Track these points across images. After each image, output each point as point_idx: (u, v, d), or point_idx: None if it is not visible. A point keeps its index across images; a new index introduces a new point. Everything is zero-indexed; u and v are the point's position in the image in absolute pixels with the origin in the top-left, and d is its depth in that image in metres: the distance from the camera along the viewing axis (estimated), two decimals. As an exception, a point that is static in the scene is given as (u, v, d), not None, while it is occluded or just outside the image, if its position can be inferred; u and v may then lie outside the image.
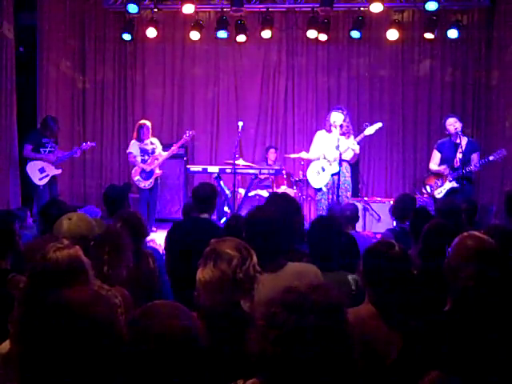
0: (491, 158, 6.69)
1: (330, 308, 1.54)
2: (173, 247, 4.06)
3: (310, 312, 1.51)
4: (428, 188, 7.01)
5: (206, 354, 1.50)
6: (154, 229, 8.06)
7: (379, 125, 7.14)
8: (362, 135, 7.09)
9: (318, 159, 7.25)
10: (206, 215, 4.30)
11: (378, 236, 6.23)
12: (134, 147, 8.18)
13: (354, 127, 7.55)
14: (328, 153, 7.12)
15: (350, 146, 7.01)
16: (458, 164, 6.75)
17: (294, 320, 1.50)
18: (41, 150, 7.68)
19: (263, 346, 1.52)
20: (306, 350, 1.48)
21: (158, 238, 6.61)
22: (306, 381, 1.47)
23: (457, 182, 6.76)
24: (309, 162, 7.58)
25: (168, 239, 4.18)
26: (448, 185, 6.84)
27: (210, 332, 2.11)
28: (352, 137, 7.18)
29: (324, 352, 1.49)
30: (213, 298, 2.23)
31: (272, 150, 9.24)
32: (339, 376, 1.51)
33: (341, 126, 7.06)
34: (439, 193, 6.88)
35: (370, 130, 7.07)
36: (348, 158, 7.15)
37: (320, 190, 7.27)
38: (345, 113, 7.18)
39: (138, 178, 8.13)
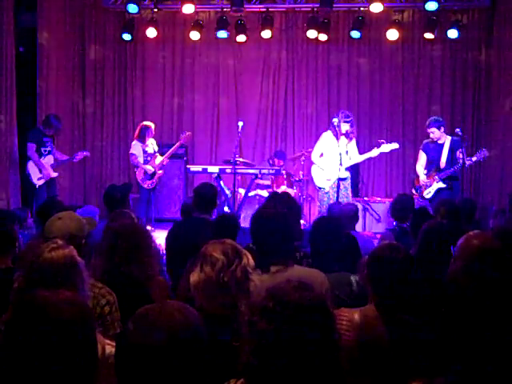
0: (474, 158, 6.86)
1: (310, 312, 1.54)
2: (173, 247, 4.07)
3: (290, 320, 1.51)
4: (417, 189, 7.12)
5: (208, 351, 1.50)
6: (151, 228, 8.06)
7: (396, 146, 7.31)
8: (377, 151, 7.21)
9: (321, 163, 7.30)
10: (206, 215, 4.31)
11: (378, 236, 6.24)
12: (136, 148, 8.14)
13: (354, 127, 7.58)
14: (335, 159, 7.14)
15: (363, 157, 7.34)
16: (444, 165, 6.92)
17: (272, 330, 1.51)
18: (41, 149, 7.68)
19: (245, 353, 1.54)
20: (285, 361, 1.49)
21: (157, 237, 6.59)
22: None
23: (444, 182, 6.91)
24: (310, 161, 7.64)
25: (169, 239, 4.18)
26: (435, 185, 6.98)
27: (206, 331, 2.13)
28: (354, 140, 7.32)
29: (305, 359, 1.49)
30: (203, 299, 2.27)
31: (281, 161, 9.01)
32: (324, 380, 1.51)
33: (351, 132, 7.21)
34: (428, 193, 7.02)
35: (386, 148, 7.23)
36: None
37: (319, 188, 7.34)
38: (351, 119, 7.27)
39: (142, 177, 8.13)
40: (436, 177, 6.94)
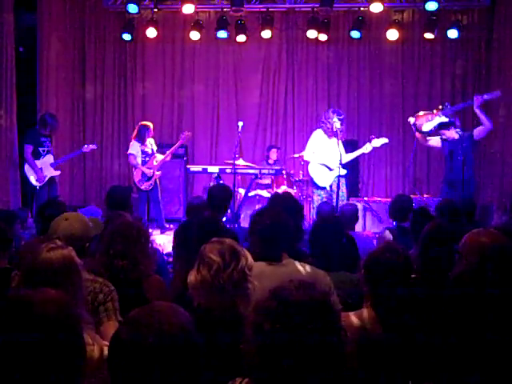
0: (485, 96, 6.66)
1: (314, 310, 1.54)
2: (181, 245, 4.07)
3: (294, 320, 1.51)
4: (415, 121, 6.97)
5: (203, 352, 1.51)
6: (171, 226, 8.14)
7: (385, 140, 7.33)
8: (370, 147, 7.21)
9: (323, 159, 7.29)
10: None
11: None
12: (135, 148, 8.12)
13: (354, 127, 7.59)
14: (333, 156, 7.11)
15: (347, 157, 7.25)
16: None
17: (277, 331, 1.51)
18: (39, 149, 7.66)
19: (250, 354, 1.55)
20: (291, 360, 1.49)
21: (158, 238, 6.62)
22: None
23: (447, 116, 6.79)
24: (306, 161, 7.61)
25: (177, 237, 4.18)
26: (438, 119, 6.80)
27: (203, 331, 2.14)
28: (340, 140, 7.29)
29: (311, 358, 1.50)
30: (201, 299, 2.28)
31: (274, 150, 9.22)
32: (329, 377, 1.52)
33: (341, 130, 7.14)
34: (427, 127, 6.83)
35: (376, 143, 7.24)
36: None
37: (320, 188, 7.28)
38: (344, 117, 7.23)
39: (139, 179, 8.13)
40: (440, 112, 6.82)
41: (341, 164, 6.95)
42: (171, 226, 8.15)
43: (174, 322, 1.46)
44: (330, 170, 7.16)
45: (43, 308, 1.50)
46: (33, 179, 7.58)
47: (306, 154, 7.35)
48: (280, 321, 1.51)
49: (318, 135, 7.24)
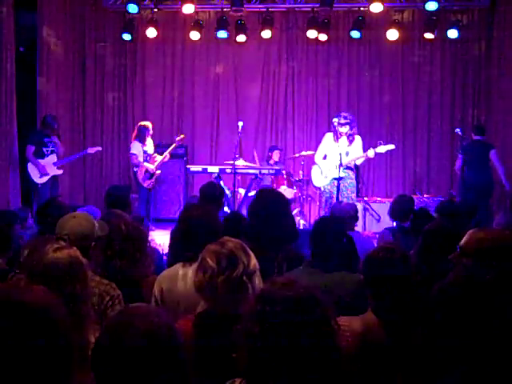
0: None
1: (299, 305, 1.54)
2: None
3: (281, 317, 1.51)
4: None
5: (186, 351, 1.50)
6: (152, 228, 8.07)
7: (392, 146, 7.32)
8: (372, 152, 7.16)
9: (322, 163, 7.33)
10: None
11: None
12: (136, 148, 8.16)
13: (356, 128, 7.57)
14: (334, 159, 7.12)
15: (361, 154, 7.19)
16: None
17: (266, 332, 1.51)
18: (43, 149, 7.70)
19: (244, 359, 1.55)
20: (283, 359, 1.49)
21: (157, 237, 6.60)
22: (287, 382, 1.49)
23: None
24: (311, 160, 7.66)
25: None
26: None
27: (203, 331, 2.17)
28: (358, 138, 7.24)
29: (304, 355, 1.49)
30: (203, 299, 2.30)
31: (276, 152, 9.16)
32: (322, 373, 1.51)
33: (349, 135, 7.16)
34: None
35: (382, 149, 7.19)
36: (359, 163, 7.35)
37: (319, 188, 7.42)
38: (349, 121, 7.16)
39: (143, 176, 8.17)
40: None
41: (341, 165, 6.93)
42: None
43: (153, 321, 1.45)
44: (321, 173, 7.27)
45: (22, 306, 1.46)
46: (35, 176, 7.62)
47: (316, 156, 7.52)
48: (268, 321, 1.51)
49: (327, 138, 7.36)
